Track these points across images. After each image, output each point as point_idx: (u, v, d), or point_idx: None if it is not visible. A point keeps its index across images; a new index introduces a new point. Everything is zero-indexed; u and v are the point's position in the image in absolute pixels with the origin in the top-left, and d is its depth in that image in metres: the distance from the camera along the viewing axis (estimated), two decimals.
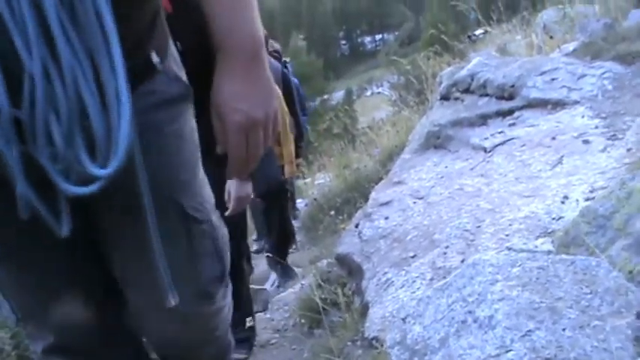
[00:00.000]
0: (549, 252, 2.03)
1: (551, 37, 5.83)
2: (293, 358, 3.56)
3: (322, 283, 3.62)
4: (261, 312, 4.64)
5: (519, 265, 1.60)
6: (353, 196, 6.16)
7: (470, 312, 1.55)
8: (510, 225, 2.51)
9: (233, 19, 1.44)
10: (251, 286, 5.30)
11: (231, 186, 3.14)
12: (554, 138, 3.15)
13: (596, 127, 3.10)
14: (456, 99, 4.22)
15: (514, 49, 6.84)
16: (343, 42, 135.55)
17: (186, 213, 1.54)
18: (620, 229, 1.83)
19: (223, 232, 1.72)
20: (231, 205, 3.17)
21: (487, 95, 3.98)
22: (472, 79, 4.16)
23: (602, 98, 3.41)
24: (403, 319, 1.84)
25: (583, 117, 3.27)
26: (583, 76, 3.62)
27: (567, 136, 3.11)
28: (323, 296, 3.51)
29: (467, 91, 4.19)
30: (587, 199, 2.40)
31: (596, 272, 1.58)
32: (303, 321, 3.85)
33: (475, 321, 1.52)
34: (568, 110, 3.40)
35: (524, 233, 2.37)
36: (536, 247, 2.16)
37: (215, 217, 1.67)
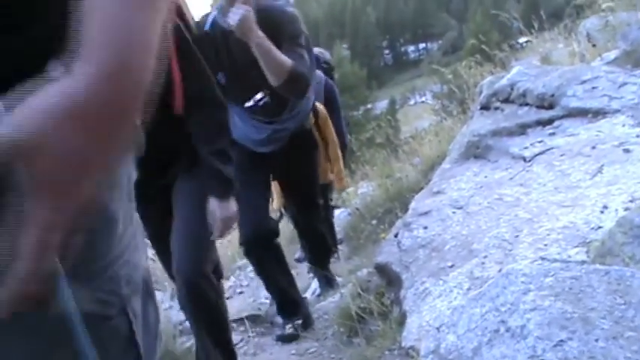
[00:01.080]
0: (583, 262, 2.02)
1: (593, 46, 5.78)
2: None
3: (361, 293, 3.63)
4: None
5: (552, 275, 1.61)
6: (394, 206, 6.16)
7: (502, 321, 1.56)
8: (549, 235, 2.50)
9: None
10: None
11: (215, 208, 2.93)
12: (594, 147, 3.13)
13: (637, 136, 3.07)
14: (496, 108, 4.21)
15: (557, 57, 6.80)
16: (387, 51, 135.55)
17: None
18: None
19: None
20: (218, 229, 2.97)
21: (527, 104, 3.96)
22: (512, 89, 4.14)
23: None
24: (437, 329, 1.85)
25: (624, 126, 3.24)
26: (624, 84, 3.59)
27: (607, 145, 3.09)
28: (362, 305, 3.53)
29: (507, 100, 4.17)
30: (626, 209, 2.38)
31: (630, 283, 1.57)
32: (342, 330, 3.87)
33: (507, 330, 1.53)
34: (608, 119, 3.37)
35: (561, 243, 2.36)
36: (570, 257, 2.15)
37: None
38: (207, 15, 4.00)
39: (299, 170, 4.47)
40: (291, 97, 4.02)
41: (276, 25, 3.76)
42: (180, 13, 2.97)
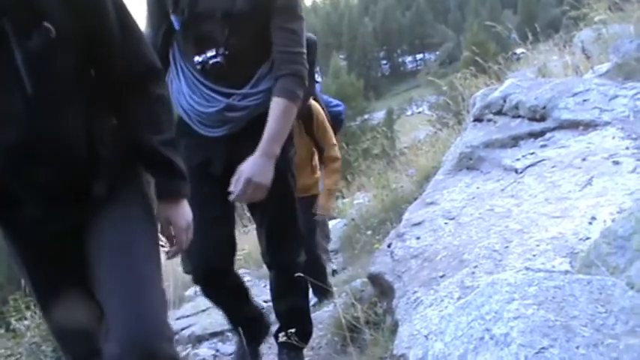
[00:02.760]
0: (567, 272, 2.07)
1: (587, 58, 5.84)
2: None
3: (355, 302, 3.67)
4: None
5: (536, 285, 1.65)
6: (389, 216, 6.19)
7: (487, 329, 1.60)
8: (538, 245, 2.54)
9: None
10: None
11: (171, 215, 2.35)
12: (584, 159, 3.18)
13: (627, 148, 3.12)
14: (489, 120, 4.26)
15: (552, 69, 6.85)
16: (384, 62, 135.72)
17: None
18: (639, 249, 1.87)
19: None
20: (177, 243, 2.39)
21: (519, 117, 4.01)
22: (505, 101, 4.19)
23: (634, 119, 3.42)
24: (426, 336, 1.89)
25: (614, 138, 3.28)
26: (615, 97, 3.64)
27: (597, 157, 3.14)
28: (356, 315, 3.56)
29: (499, 112, 4.22)
30: (614, 220, 2.43)
31: (612, 292, 1.62)
32: (335, 339, 3.91)
33: (492, 338, 1.57)
34: (599, 131, 3.42)
35: (550, 254, 2.41)
36: (554, 267, 2.20)
37: None
38: None
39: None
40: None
41: None
42: None
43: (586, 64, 5.68)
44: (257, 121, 3.10)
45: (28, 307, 3.67)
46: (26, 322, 3.56)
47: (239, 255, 6.91)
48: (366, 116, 47.98)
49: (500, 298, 1.65)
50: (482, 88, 6.38)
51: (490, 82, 7.57)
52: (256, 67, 3.18)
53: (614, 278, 1.73)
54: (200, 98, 3.15)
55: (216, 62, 3.08)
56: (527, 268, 2.19)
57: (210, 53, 3.08)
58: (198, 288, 5.87)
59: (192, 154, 3.19)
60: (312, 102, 4.84)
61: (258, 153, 2.99)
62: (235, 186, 3.00)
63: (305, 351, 4.11)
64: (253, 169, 2.97)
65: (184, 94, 3.19)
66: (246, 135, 3.12)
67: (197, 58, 3.11)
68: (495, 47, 29.28)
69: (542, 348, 1.46)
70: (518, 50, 11.17)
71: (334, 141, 5.24)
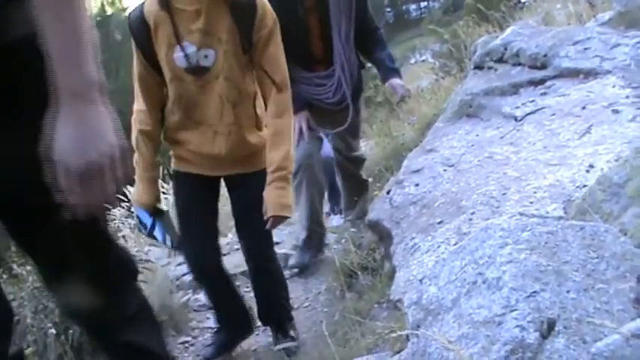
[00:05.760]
0: (560, 218, 2.09)
1: (591, 6, 5.78)
2: (324, 319, 3.67)
3: (354, 249, 3.70)
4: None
5: (529, 230, 1.67)
6: (390, 164, 6.20)
7: (480, 274, 1.62)
8: (535, 193, 2.55)
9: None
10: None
11: None
12: (584, 107, 3.18)
13: (627, 97, 3.12)
14: (490, 68, 4.24)
15: (556, 17, 6.79)
16: (388, 9, 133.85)
17: None
18: (633, 196, 1.88)
19: None
20: None
21: (520, 64, 4.00)
22: (506, 49, 4.18)
23: (635, 68, 3.41)
24: (420, 281, 1.92)
25: (614, 86, 3.28)
26: (617, 45, 3.62)
27: (597, 105, 3.14)
28: (355, 261, 3.60)
29: (500, 60, 4.21)
30: (610, 168, 2.44)
31: (604, 238, 1.64)
32: (335, 284, 3.96)
33: (484, 282, 1.59)
34: (600, 80, 3.41)
35: (547, 201, 2.42)
36: (548, 212, 2.22)
37: None
38: None
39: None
40: None
41: None
42: None
43: (589, 12, 5.62)
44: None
45: None
46: (28, 268, 3.58)
47: None
48: (369, 64, 47.68)
49: (493, 243, 1.67)
50: (484, 36, 6.34)
51: (493, 30, 7.52)
52: None
53: (607, 224, 1.75)
54: None
55: None
56: (520, 214, 2.21)
57: None
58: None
59: None
60: None
61: (61, 108, 1.38)
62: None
63: (305, 296, 4.18)
64: (66, 144, 1.37)
65: None
66: None
67: None
68: None
69: (534, 292, 1.48)
70: None
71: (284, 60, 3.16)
